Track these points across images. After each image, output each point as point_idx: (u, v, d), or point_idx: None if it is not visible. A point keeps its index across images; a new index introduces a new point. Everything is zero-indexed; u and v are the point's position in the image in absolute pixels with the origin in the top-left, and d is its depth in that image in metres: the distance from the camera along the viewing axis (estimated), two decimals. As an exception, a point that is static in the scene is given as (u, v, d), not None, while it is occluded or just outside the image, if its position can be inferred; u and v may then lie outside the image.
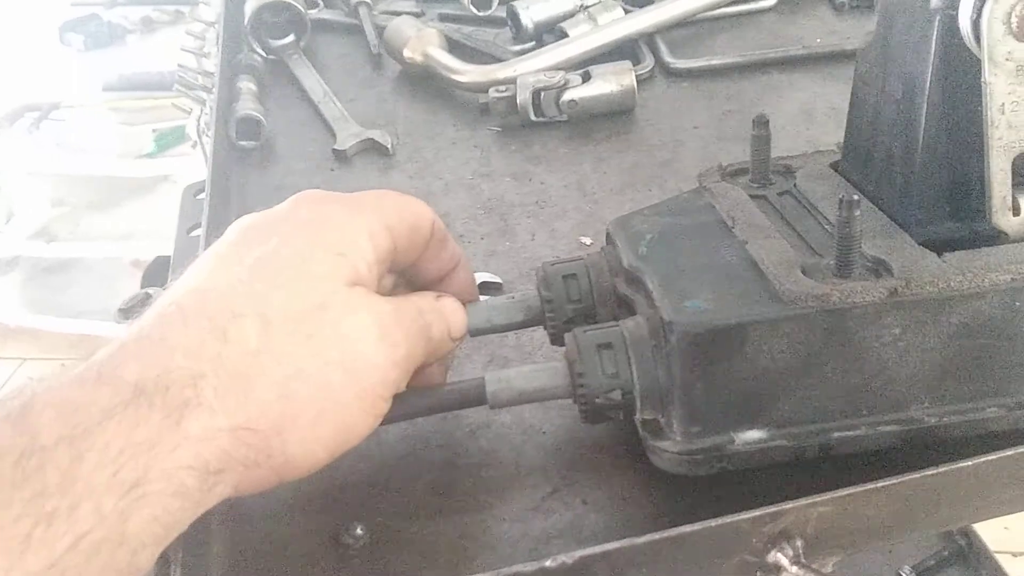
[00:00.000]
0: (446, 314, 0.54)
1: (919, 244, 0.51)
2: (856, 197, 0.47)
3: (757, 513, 0.45)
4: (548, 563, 0.44)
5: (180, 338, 0.45)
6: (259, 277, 0.47)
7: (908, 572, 0.86)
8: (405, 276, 0.57)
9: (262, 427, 0.44)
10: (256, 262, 0.48)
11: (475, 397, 0.53)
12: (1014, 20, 0.48)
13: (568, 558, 0.44)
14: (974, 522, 0.74)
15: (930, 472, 0.47)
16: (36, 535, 0.37)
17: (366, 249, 0.50)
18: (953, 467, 0.47)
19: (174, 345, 0.44)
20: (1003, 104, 0.50)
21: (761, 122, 0.58)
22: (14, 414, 0.40)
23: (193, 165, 2.46)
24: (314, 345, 0.46)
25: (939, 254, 0.50)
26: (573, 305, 0.56)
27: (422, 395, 0.53)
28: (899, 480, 0.47)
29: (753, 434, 0.49)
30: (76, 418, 0.40)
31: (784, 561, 0.47)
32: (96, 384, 0.42)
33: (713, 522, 0.45)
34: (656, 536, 0.45)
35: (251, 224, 0.51)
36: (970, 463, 0.47)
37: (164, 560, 0.48)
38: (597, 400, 0.50)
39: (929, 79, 0.52)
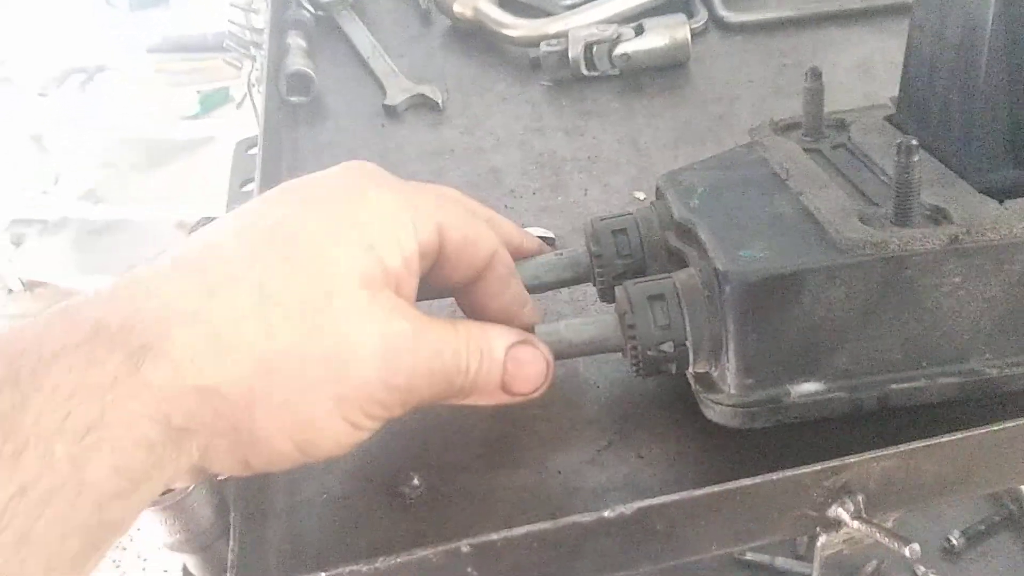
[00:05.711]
0: (517, 363, 0.49)
1: (979, 192, 0.50)
2: (915, 142, 0.46)
3: (819, 467, 0.45)
4: (607, 514, 0.44)
5: (162, 286, 0.41)
6: (272, 246, 0.43)
7: (957, 537, 0.85)
8: (461, 304, 0.54)
9: (232, 395, 0.40)
10: (274, 226, 0.44)
11: None
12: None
13: (627, 509, 0.44)
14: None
15: (995, 428, 0.46)
16: None
17: (406, 242, 0.46)
18: (1019, 423, 0.47)
19: (153, 291, 0.40)
20: None
21: (815, 75, 0.56)
22: None
23: (238, 126, 2.48)
24: (305, 332, 0.42)
25: (1000, 202, 0.49)
26: (623, 260, 0.55)
27: None
28: (964, 435, 0.46)
29: (809, 386, 0.48)
30: (22, 359, 0.37)
31: (845, 516, 0.46)
32: (51, 323, 0.38)
33: (774, 476, 0.45)
34: (715, 489, 0.45)
35: (290, 184, 0.47)
36: (1037, 419, 0.46)
37: (224, 509, 0.48)
38: (649, 352, 0.49)
39: (991, 21, 0.50)
